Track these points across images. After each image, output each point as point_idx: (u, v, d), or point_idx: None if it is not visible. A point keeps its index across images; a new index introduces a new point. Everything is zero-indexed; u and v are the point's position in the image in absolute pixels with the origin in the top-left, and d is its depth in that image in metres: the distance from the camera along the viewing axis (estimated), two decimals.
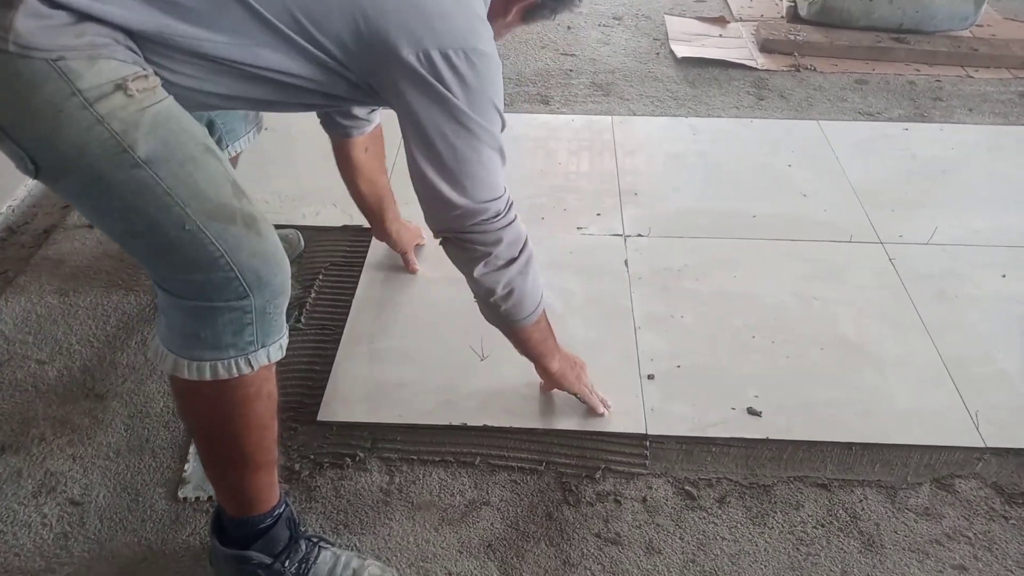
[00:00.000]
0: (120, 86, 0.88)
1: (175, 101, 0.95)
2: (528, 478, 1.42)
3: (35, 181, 1.25)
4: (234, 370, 1.01)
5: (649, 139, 2.41)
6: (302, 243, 1.93)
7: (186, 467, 1.42)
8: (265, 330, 1.02)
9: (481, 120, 1.09)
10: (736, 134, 2.44)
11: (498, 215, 1.18)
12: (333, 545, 1.25)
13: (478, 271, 1.22)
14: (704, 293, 1.81)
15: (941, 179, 2.24)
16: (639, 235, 1.99)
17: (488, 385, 1.57)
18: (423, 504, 1.38)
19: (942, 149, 2.38)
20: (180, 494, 1.38)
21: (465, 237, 1.19)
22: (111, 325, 1.72)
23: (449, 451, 1.46)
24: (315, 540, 1.22)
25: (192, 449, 1.44)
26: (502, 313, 1.29)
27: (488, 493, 1.40)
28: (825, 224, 2.04)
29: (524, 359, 1.42)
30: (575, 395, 1.51)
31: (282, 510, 1.19)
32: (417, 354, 1.64)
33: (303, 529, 1.24)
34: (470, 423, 1.50)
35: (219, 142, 1.52)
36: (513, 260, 1.23)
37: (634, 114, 2.57)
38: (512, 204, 1.21)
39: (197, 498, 1.37)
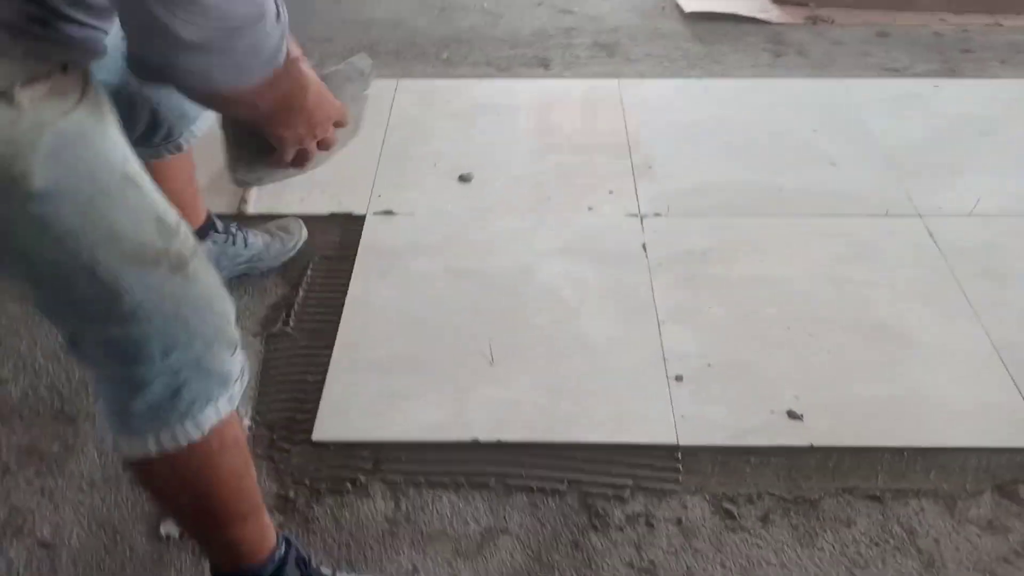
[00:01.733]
0: (4, 94, 0.65)
1: (93, 112, 0.73)
2: (549, 500, 1.29)
3: None
4: (181, 438, 0.85)
5: (660, 104, 2.23)
6: (304, 232, 1.74)
7: None
8: (206, 385, 0.85)
9: None
10: (754, 96, 2.26)
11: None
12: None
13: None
14: (732, 279, 1.66)
15: (979, 141, 2.07)
16: (656, 214, 1.83)
17: (501, 394, 1.43)
18: (434, 534, 1.25)
19: (977, 107, 2.20)
20: (162, 531, 1.25)
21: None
22: None
23: (460, 471, 1.33)
24: None
25: None
26: None
27: (506, 519, 1.27)
28: (857, 197, 1.88)
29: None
30: None
31: (283, 551, 1.08)
32: (421, 360, 1.49)
33: (315, 566, 1.13)
34: (482, 438, 1.36)
35: (169, 134, 1.30)
36: None
37: (643, 76, 2.38)
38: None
39: (181, 535, 1.24)
